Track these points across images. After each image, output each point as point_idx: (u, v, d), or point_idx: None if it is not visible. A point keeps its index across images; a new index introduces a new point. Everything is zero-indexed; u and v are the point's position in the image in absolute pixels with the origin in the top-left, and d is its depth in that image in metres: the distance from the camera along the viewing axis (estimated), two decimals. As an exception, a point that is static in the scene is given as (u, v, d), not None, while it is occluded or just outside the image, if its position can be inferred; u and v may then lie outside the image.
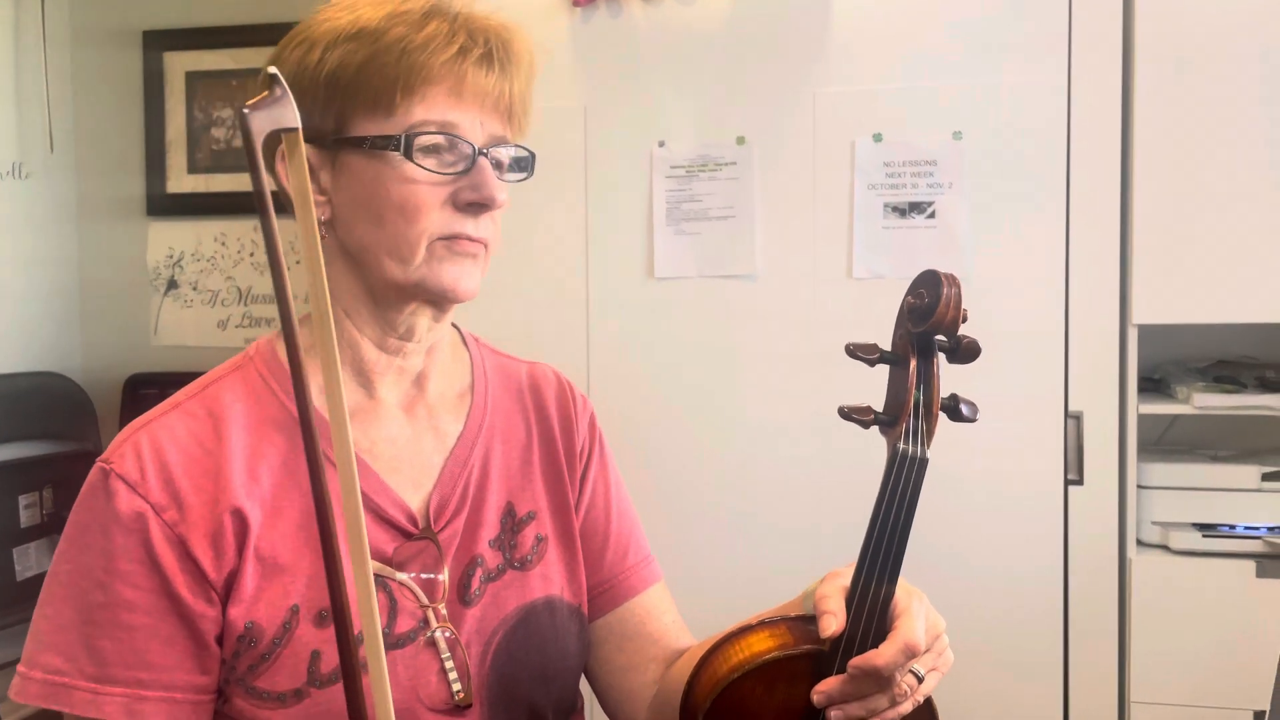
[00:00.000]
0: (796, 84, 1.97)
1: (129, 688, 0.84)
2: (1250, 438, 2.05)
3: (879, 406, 0.88)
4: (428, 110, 0.87)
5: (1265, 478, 1.87)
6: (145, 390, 2.62)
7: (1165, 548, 1.89)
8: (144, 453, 0.87)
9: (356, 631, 0.87)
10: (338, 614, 0.51)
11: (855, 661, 0.81)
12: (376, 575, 0.89)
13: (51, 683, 0.85)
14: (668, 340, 2.02)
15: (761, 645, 0.84)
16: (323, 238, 0.91)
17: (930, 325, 0.83)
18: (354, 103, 0.87)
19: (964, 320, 0.83)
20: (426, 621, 0.90)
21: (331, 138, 0.88)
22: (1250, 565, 1.83)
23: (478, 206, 0.89)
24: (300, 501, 0.89)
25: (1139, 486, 1.89)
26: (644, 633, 1.06)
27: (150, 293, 2.74)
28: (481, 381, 1.02)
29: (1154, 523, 1.90)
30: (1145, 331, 1.88)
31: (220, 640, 0.87)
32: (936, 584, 1.94)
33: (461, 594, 0.93)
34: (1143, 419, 1.90)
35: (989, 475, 1.90)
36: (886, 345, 0.87)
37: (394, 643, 0.89)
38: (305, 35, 0.90)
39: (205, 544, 0.86)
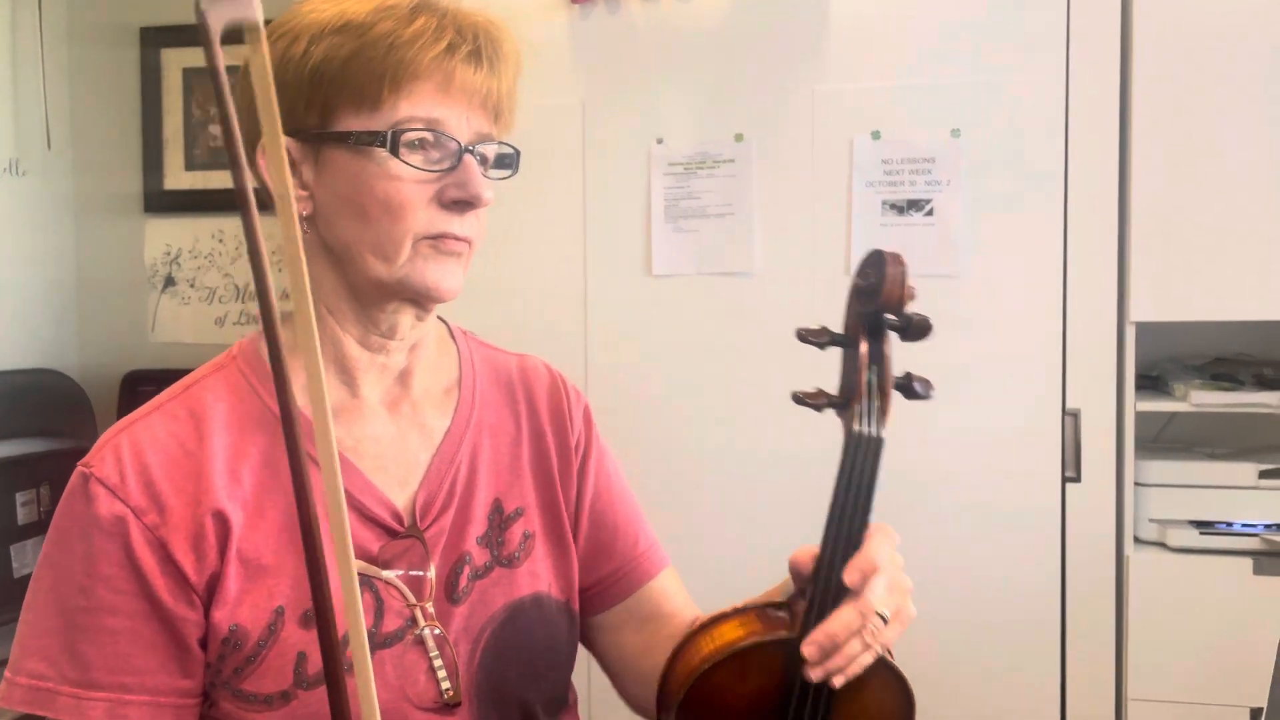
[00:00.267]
0: (795, 81, 1.97)
1: (112, 692, 0.84)
2: (1247, 435, 2.05)
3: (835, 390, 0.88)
4: (414, 106, 0.86)
5: (1262, 475, 1.88)
6: (143, 387, 2.62)
7: (1163, 545, 1.89)
8: (124, 456, 0.87)
9: (344, 631, 0.87)
10: (320, 615, 0.51)
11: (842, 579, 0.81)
12: (362, 574, 0.89)
13: (36, 688, 0.84)
14: (666, 337, 2.02)
15: (732, 635, 0.85)
16: (304, 234, 0.91)
17: (878, 305, 0.84)
18: (339, 97, 0.86)
19: (911, 298, 0.84)
20: (414, 620, 0.90)
21: (315, 132, 0.87)
22: (1247, 562, 1.83)
23: (463, 204, 0.88)
24: (283, 502, 0.88)
25: (1136, 484, 1.89)
26: (660, 615, 1.06)
27: (147, 289, 2.74)
28: (469, 376, 1.01)
29: (1151, 520, 1.90)
30: (1143, 329, 1.88)
31: (204, 643, 0.87)
32: (935, 581, 1.94)
33: (449, 592, 0.93)
34: (1140, 416, 1.90)
35: (987, 472, 1.91)
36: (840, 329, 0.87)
37: (381, 642, 0.89)
38: (289, 27, 0.89)
39: (186, 546, 0.85)
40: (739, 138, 1.99)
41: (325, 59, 0.86)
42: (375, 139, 0.85)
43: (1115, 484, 1.87)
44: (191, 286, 2.70)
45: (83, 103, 2.73)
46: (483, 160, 0.91)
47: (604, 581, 1.04)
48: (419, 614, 0.90)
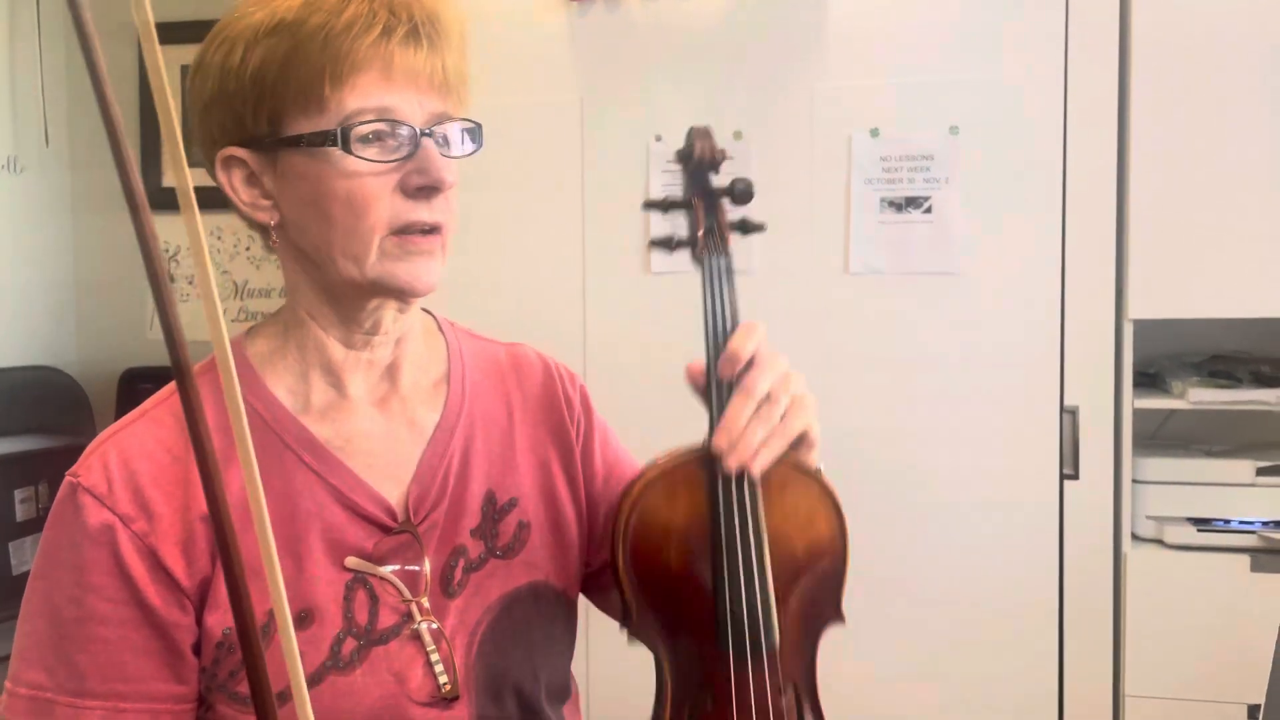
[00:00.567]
0: (793, 79, 1.97)
1: (108, 700, 0.84)
2: (1245, 432, 2.05)
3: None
4: (361, 98, 0.84)
5: (1260, 472, 1.88)
6: (141, 384, 2.62)
7: (1160, 542, 1.89)
8: (110, 464, 0.86)
9: (339, 629, 0.87)
10: (239, 616, 0.51)
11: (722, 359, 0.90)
12: (356, 572, 0.89)
13: (35, 698, 0.85)
14: (664, 335, 2.02)
15: (652, 470, 0.92)
16: (274, 242, 0.90)
17: (696, 163, 1.03)
18: (284, 101, 0.84)
19: (722, 158, 1.04)
20: (410, 615, 0.90)
21: (268, 140, 0.86)
22: (1245, 559, 1.83)
23: (427, 190, 0.86)
24: (272, 503, 0.88)
25: (1134, 481, 1.90)
26: None
27: (146, 287, 2.74)
28: (458, 368, 1.01)
29: (1149, 517, 1.90)
30: (1141, 326, 1.89)
31: (198, 648, 0.87)
32: (933, 577, 1.95)
33: (444, 586, 0.92)
34: (1138, 414, 1.90)
35: (985, 470, 1.91)
36: None
37: (377, 638, 0.88)
38: (225, 34, 0.87)
39: (177, 552, 0.85)
40: (738, 135, 2.00)
41: (263, 64, 0.84)
42: (326, 139, 0.83)
43: (1113, 481, 1.87)
44: (190, 284, 2.70)
45: (80, 100, 2.72)
46: (444, 141, 0.89)
47: (605, 566, 1.03)
48: (414, 609, 0.90)
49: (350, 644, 0.87)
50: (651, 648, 0.92)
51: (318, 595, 0.87)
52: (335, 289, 0.90)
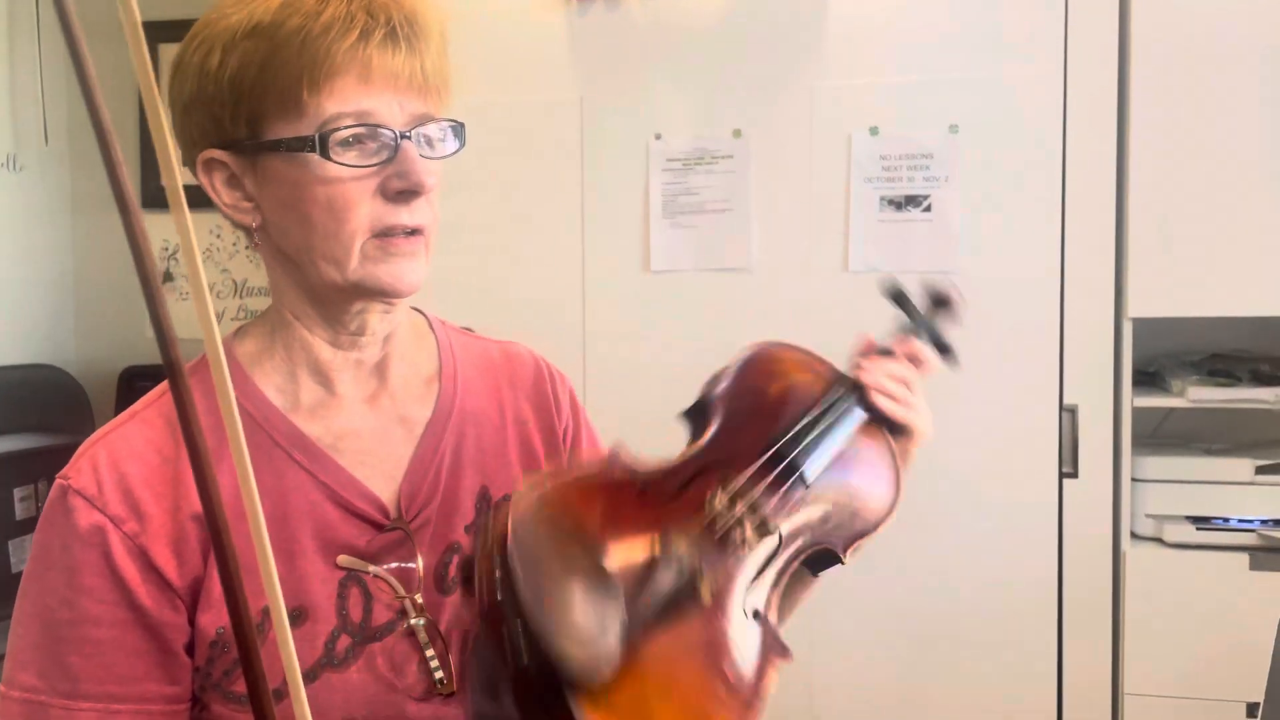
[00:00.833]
0: (793, 78, 1.97)
1: (100, 702, 0.84)
2: (1244, 431, 2.05)
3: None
4: (339, 103, 0.83)
5: (1259, 471, 1.88)
6: (140, 383, 2.62)
7: (1159, 540, 1.89)
8: (100, 465, 0.86)
9: (333, 626, 0.87)
10: (237, 621, 0.51)
11: None
12: (349, 570, 0.89)
13: (29, 701, 0.85)
14: (664, 333, 2.02)
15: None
16: (256, 245, 0.90)
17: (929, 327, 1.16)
18: (262, 105, 0.84)
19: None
20: (404, 612, 0.90)
21: (247, 143, 0.85)
22: (1244, 558, 1.83)
23: (407, 194, 0.86)
24: (264, 501, 0.88)
25: (1133, 479, 1.90)
26: None
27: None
28: (449, 365, 1.01)
29: (1148, 515, 1.91)
30: (1140, 325, 1.89)
31: (191, 649, 0.87)
32: (932, 575, 1.95)
33: (439, 582, 0.93)
34: (1137, 412, 1.90)
35: (984, 468, 1.91)
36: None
37: (371, 635, 0.89)
38: (203, 35, 0.86)
39: (168, 552, 0.85)
40: (737, 134, 2.00)
41: (241, 67, 0.84)
42: (304, 144, 0.83)
43: (1112, 479, 1.87)
44: (189, 282, 2.71)
45: (80, 99, 2.72)
46: (425, 142, 0.88)
47: None
48: (409, 605, 0.90)
49: (345, 641, 0.87)
50: None
51: (311, 593, 0.87)
52: (318, 291, 0.89)
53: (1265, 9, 1.81)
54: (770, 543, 0.86)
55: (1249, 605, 1.82)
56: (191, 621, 0.87)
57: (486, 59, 2.09)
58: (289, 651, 0.53)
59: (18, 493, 2.33)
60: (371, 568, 0.90)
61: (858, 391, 1.03)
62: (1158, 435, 2.10)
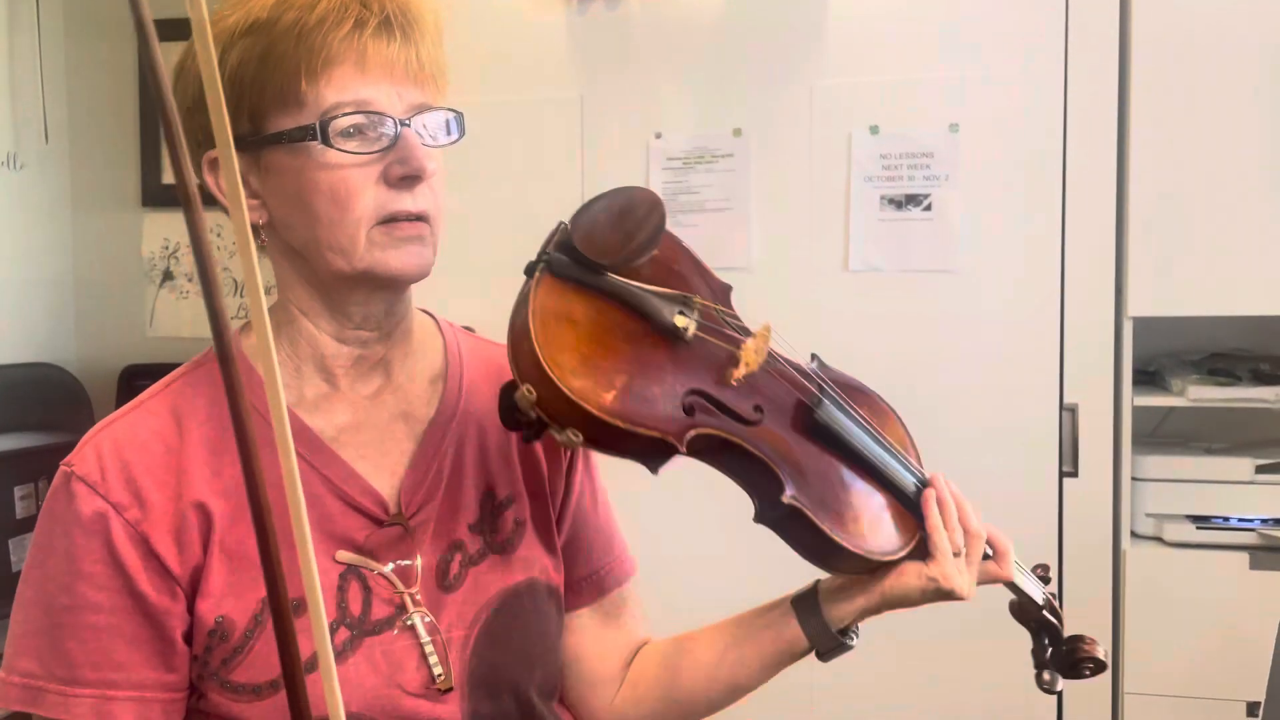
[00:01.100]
0: (793, 76, 1.97)
1: (97, 689, 0.85)
2: (1244, 430, 2.05)
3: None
4: (338, 92, 0.85)
5: (1259, 470, 1.88)
6: (141, 382, 2.60)
7: (1159, 540, 1.89)
8: (104, 453, 0.87)
9: (331, 620, 0.88)
10: (275, 604, 0.51)
11: None
12: (349, 564, 0.90)
13: (27, 686, 0.86)
14: (664, 332, 2.02)
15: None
16: (264, 242, 0.91)
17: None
18: (262, 99, 0.86)
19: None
20: (403, 608, 0.91)
21: (251, 139, 0.87)
22: (1244, 557, 1.83)
23: (409, 179, 0.87)
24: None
25: (1133, 479, 1.90)
26: (619, 622, 1.07)
27: (145, 284, 2.74)
28: (455, 366, 1.01)
29: (1148, 515, 1.91)
30: (1140, 324, 1.89)
31: (189, 637, 0.88)
32: (931, 576, 1.94)
33: (440, 579, 0.93)
34: (1137, 411, 1.90)
35: (984, 467, 1.91)
36: None
37: (370, 629, 0.89)
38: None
39: (169, 540, 0.86)
40: (737, 132, 2.00)
41: (241, 63, 0.86)
42: (306, 133, 0.85)
43: (1112, 479, 1.87)
44: (189, 280, 2.71)
45: (80, 96, 2.72)
46: (426, 130, 0.90)
47: (576, 583, 1.04)
48: (408, 601, 0.91)
49: (344, 634, 0.88)
50: None
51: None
52: (326, 283, 0.90)
53: (1265, 9, 1.81)
54: None
55: (1249, 605, 1.82)
56: (190, 610, 0.87)
57: (486, 57, 2.09)
58: (323, 635, 0.53)
59: (18, 491, 2.33)
60: (368, 563, 0.91)
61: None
62: (1158, 434, 2.10)
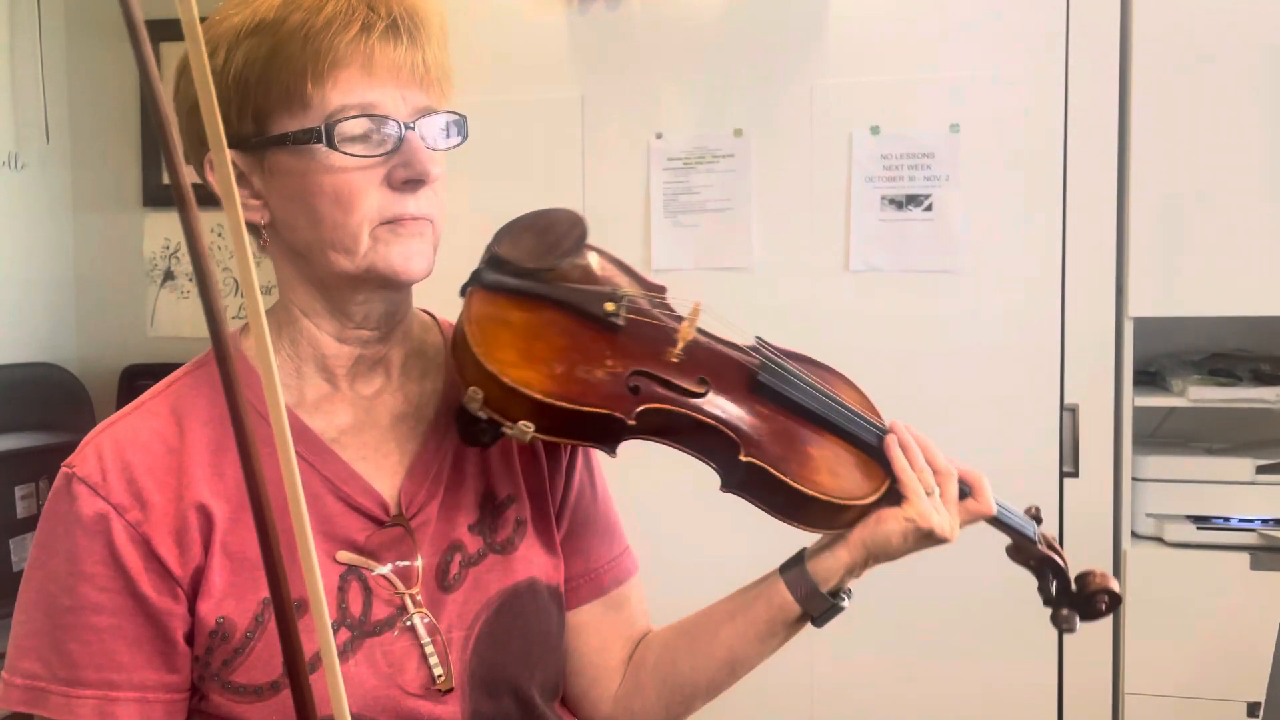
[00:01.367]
0: (794, 76, 1.97)
1: (99, 690, 0.85)
2: (1245, 430, 2.05)
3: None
4: (343, 95, 0.85)
5: (1260, 470, 1.88)
6: (141, 381, 2.62)
7: (1160, 540, 1.89)
8: (105, 454, 0.87)
9: (331, 620, 0.87)
10: (278, 604, 0.51)
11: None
12: (349, 565, 0.90)
13: (30, 687, 0.86)
14: (664, 332, 2.02)
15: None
16: (265, 243, 0.91)
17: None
18: (268, 100, 0.85)
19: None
20: (403, 608, 0.91)
21: (254, 140, 0.87)
22: (1244, 557, 1.83)
23: (413, 183, 0.87)
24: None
25: (1134, 479, 1.90)
26: (622, 617, 1.06)
27: (146, 284, 2.74)
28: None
29: (1149, 515, 1.91)
30: (1141, 324, 1.89)
31: (190, 638, 0.88)
32: (931, 574, 1.95)
33: (440, 580, 0.93)
34: (1138, 411, 1.90)
35: (984, 467, 1.90)
36: None
37: (371, 629, 0.89)
38: (207, 37, 0.87)
39: (170, 541, 0.86)
40: (738, 133, 1.99)
41: (246, 64, 0.85)
42: (311, 135, 0.84)
43: (1113, 479, 1.87)
44: (190, 280, 2.71)
45: (81, 96, 2.72)
46: (430, 134, 0.89)
47: (576, 580, 1.04)
48: (408, 601, 0.91)
49: (344, 634, 0.88)
50: None
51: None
52: (327, 283, 0.90)
53: (1265, 9, 1.81)
54: None
55: (1249, 604, 1.82)
56: (191, 611, 0.87)
57: (487, 57, 2.09)
58: (326, 634, 0.53)
59: (19, 491, 2.33)
60: (368, 564, 0.91)
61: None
62: (1158, 435, 2.10)
